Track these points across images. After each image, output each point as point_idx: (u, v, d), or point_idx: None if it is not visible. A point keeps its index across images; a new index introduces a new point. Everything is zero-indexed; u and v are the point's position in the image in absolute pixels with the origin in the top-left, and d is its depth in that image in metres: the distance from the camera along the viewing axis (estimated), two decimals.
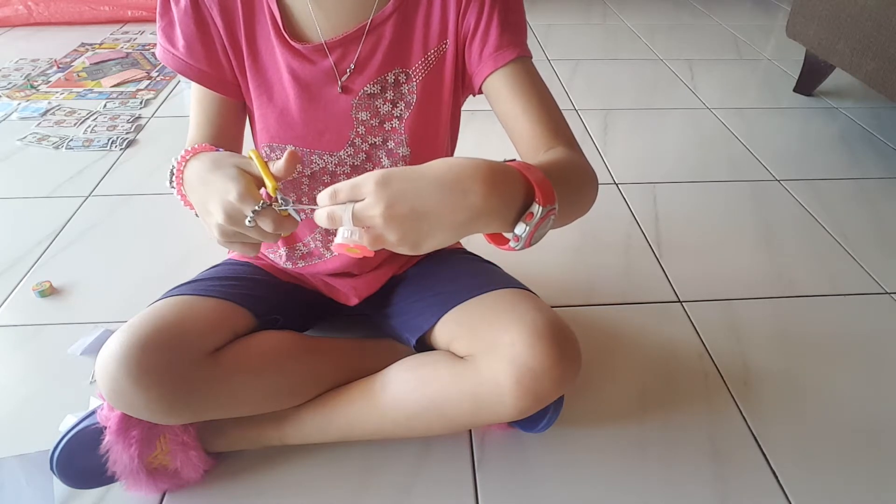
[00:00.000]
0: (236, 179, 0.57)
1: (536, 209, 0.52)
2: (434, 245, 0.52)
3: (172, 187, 0.67)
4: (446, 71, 0.74)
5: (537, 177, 0.53)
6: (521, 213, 0.54)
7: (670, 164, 1.51)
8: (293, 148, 0.75)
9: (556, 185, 0.55)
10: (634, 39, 2.37)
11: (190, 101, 0.78)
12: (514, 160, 0.57)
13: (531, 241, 0.55)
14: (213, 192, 0.58)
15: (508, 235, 0.55)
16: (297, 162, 0.58)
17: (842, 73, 1.73)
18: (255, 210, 0.56)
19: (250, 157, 0.60)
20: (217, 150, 0.65)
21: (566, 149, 0.67)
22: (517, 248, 0.55)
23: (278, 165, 0.58)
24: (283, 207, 0.58)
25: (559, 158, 0.65)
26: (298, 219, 0.59)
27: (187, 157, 0.64)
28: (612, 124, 1.70)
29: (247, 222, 0.56)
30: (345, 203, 0.51)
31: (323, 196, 0.52)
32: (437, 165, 0.51)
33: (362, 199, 0.50)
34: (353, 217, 0.50)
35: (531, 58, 0.73)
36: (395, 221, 0.49)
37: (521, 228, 0.53)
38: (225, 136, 0.77)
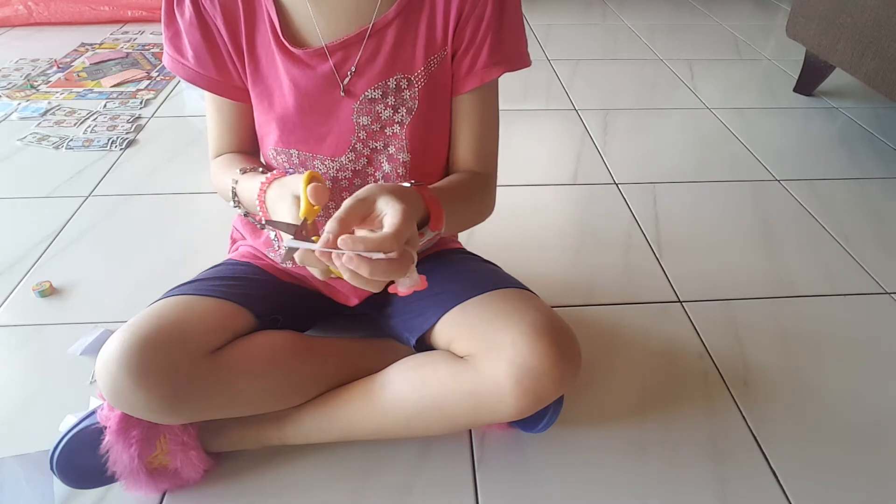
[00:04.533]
0: (291, 212, 0.62)
1: (427, 233, 0.63)
2: None
3: (236, 206, 0.76)
4: (447, 77, 0.75)
5: (436, 208, 0.63)
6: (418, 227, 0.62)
7: (670, 164, 1.51)
8: (297, 153, 0.76)
9: (448, 209, 0.65)
10: (634, 39, 2.37)
11: (206, 110, 0.80)
12: (422, 185, 0.66)
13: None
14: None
15: None
16: (325, 195, 0.60)
17: (842, 73, 1.73)
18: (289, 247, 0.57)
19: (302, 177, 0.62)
20: (287, 173, 0.69)
21: (480, 177, 0.78)
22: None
23: (318, 195, 0.59)
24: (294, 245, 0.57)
25: (463, 184, 0.76)
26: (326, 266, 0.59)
27: (265, 189, 0.68)
28: (612, 124, 1.70)
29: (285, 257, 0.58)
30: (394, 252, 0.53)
31: (383, 242, 0.52)
32: (400, 195, 0.57)
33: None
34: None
35: (528, 66, 0.77)
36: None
37: None
38: (246, 139, 0.81)
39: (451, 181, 0.76)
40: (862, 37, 1.51)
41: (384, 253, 0.51)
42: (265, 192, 0.69)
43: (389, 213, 0.55)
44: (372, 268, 0.51)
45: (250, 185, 0.71)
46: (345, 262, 0.52)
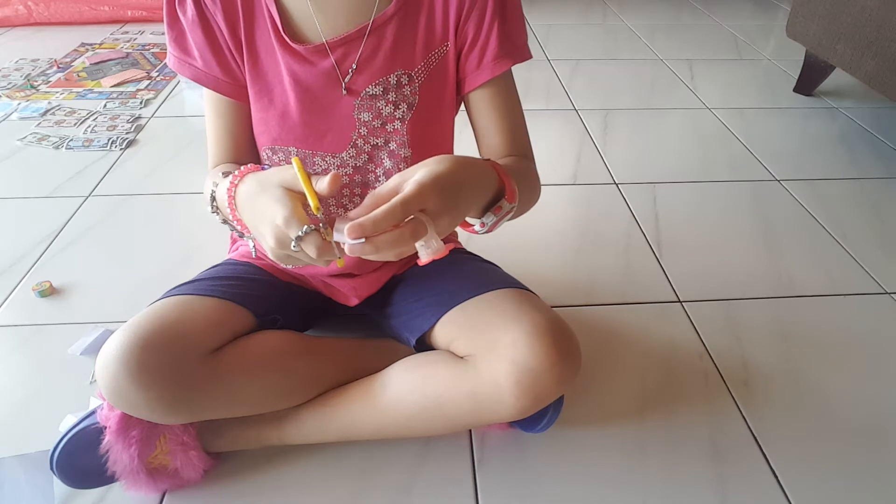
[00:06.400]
0: (282, 202, 0.55)
1: (506, 205, 0.63)
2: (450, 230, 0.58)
3: (214, 212, 0.68)
4: (447, 73, 0.75)
5: (509, 178, 0.63)
6: (491, 203, 0.63)
7: (670, 164, 1.51)
8: (295, 150, 0.75)
9: (518, 184, 0.64)
10: (634, 39, 2.37)
11: (206, 116, 0.79)
12: (489, 160, 0.65)
13: (493, 229, 0.64)
14: (262, 215, 0.57)
15: (471, 221, 0.64)
16: (339, 183, 0.55)
17: (842, 73, 1.73)
18: (299, 235, 0.54)
19: (294, 167, 0.57)
20: (262, 168, 0.63)
21: (523, 159, 0.78)
22: (481, 232, 0.64)
23: (322, 184, 0.55)
24: (325, 228, 0.55)
25: (517, 165, 0.75)
26: (341, 253, 0.55)
27: (236, 182, 0.63)
28: (612, 124, 1.70)
29: (292, 247, 0.55)
30: (409, 217, 0.52)
31: (386, 215, 0.50)
32: (454, 165, 0.57)
33: (422, 208, 0.53)
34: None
35: (531, 58, 0.77)
36: (450, 218, 0.56)
37: (489, 218, 0.63)
38: (245, 146, 0.79)
39: (507, 162, 0.74)
40: (862, 37, 1.51)
41: (364, 234, 0.50)
42: (236, 186, 0.62)
43: (407, 186, 0.53)
44: (370, 247, 0.51)
45: (225, 184, 0.64)
46: (346, 251, 0.52)
